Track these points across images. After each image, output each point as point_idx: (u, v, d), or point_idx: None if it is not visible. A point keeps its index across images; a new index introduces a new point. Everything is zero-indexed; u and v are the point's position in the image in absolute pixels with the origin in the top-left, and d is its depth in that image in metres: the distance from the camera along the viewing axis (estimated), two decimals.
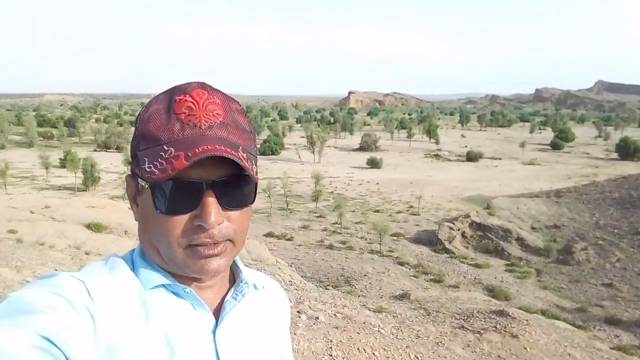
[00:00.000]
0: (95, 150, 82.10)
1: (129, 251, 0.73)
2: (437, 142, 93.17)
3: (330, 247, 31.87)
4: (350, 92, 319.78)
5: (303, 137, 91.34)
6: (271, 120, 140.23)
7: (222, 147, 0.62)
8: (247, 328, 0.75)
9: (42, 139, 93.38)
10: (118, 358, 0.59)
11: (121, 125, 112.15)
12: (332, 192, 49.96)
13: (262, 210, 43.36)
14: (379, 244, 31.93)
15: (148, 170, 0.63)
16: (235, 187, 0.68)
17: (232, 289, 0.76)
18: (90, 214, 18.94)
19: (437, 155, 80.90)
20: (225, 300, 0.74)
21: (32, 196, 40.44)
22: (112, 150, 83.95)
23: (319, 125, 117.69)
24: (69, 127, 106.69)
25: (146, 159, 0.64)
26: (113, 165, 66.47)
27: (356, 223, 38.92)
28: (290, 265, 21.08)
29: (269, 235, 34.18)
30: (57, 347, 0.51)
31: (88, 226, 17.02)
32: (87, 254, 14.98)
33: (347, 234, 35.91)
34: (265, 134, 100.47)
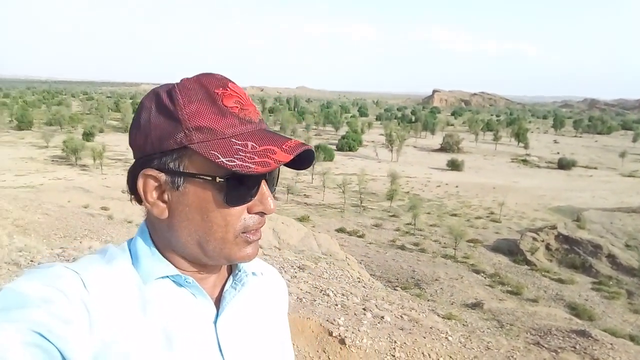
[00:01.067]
0: None
1: (126, 242, 0.71)
2: (526, 147, 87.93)
3: (402, 247, 31.29)
4: (434, 91, 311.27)
5: (382, 134, 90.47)
6: (351, 117, 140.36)
7: (301, 142, 0.66)
8: (247, 317, 0.75)
9: None
10: (115, 350, 0.59)
11: None
12: (407, 192, 49.01)
13: (335, 206, 43.59)
14: (454, 249, 30.83)
15: (231, 164, 0.60)
16: (275, 176, 0.72)
17: (231, 278, 0.76)
18: None
19: (525, 161, 76.33)
20: (225, 290, 0.74)
21: (124, 177, 43.57)
22: None
23: (399, 124, 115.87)
24: None
25: (217, 153, 0.61)
26: None
27: (431, 225, 37.88)
28: (360, 263, 20.97)
29: (341, 230, 34.30)
30: (50, 342, 0.51)
31: None
32: None
33: (421, 235, 35.06)
34: (344, 130, 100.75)
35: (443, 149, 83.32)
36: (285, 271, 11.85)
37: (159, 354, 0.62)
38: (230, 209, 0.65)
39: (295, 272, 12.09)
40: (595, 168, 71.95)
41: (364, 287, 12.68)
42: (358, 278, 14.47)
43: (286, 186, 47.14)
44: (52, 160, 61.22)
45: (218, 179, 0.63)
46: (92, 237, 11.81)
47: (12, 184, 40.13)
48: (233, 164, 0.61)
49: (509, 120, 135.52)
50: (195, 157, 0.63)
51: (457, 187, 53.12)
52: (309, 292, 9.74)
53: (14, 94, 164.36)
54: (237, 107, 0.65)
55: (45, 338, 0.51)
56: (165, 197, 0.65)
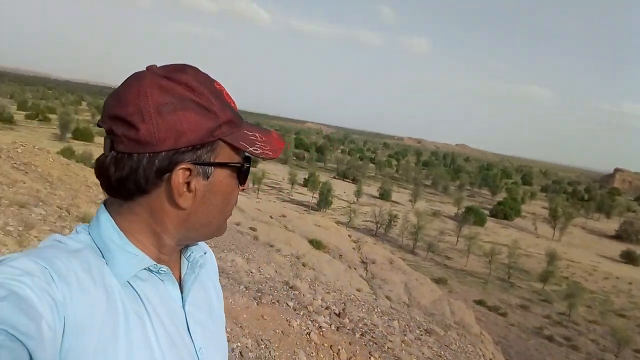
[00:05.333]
0: (334, 177, 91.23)
1: (85, 231, 0.69)
2: None
3: (550, 338, 27.51)
4: (616, 170, 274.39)
5: (545, 208, 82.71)
6: (512, 183, 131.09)
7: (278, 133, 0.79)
8: (203, 296, 0.80)
9: (295, 159, 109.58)
10: (89, 343, 0.58)
11: (361, 159, 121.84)
12: (567, 278, 43.41)
13: (478, 275, 40.56)
14: (616, 355, 26.13)
15: (257, 152, 0.70)
16: None
17: (185, 260, 0.78)
18: (316, 231, 20.75)
19: None
20: (185, 273, 0.77)
21: (274, 204, 47.16)
22: (348, 180, 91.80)
23: (568, 199, 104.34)
24: (319, 153, 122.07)
25: (244, 143, 0.70)
26: (345, 194, 72.41)
27: (590, 322, 32.75)
28: (496, 344, 18.85)
29: (480, 303, 31.69)
30: (17, 339, 0.49)
31: (311, 241, 18.76)
32: (304, 265, 16.41)
33: (575, 330, 30.47)
34: (501, 196, 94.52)
35: (619, 236, 72.43)
36: (410, 330, 11.17)
37: (137, 344, 0.63)
38: (238, 190, 0.74)
39: (421, 334, 11.32)
40: None
41: None
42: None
43: (427, 243, 45.46)
44: None
45: (245, 165, 0.73)
46: (236, 252, 12.67)
47: None
48: (258, 152, 0.70)
49: None
50: (222, 148, 0.69)
51: (630, 284, 45.54)
52: (431, 359, 8.96)
53: None
54: (232, 102, 0.72)
55: (12, 335, 0.49)
56: (192, 187, 0.67)
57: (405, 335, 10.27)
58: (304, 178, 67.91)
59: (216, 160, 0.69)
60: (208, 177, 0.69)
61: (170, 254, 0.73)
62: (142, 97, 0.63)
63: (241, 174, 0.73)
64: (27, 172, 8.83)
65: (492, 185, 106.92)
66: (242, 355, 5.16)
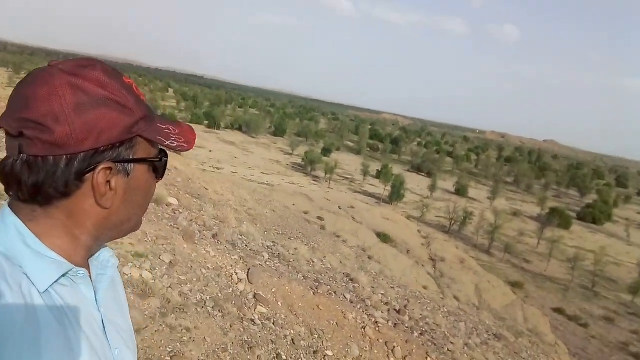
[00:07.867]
0: (408, 171, 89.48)
1: None
2: None
3: (636, 356, 25.34)
4: None
5: None
6: (604, 185, 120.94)
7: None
8: (114, 296, 0.79)
9: (369, 150, 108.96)
10: (4, 352, 0.55)
11: (438, 153, 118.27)
12: None
13: (559, 281, 38.07)
14: None
15: (173, 145, 0.70)
16: None
17: (96, 261, 0.75)
18: (383, 224, 20.52)
19: None
20: (97, 274, 0.74)
21: (344, 195, 47.25)
22: (422, 173, 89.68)
23: None
24: (393, 145, 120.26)
25: (161, 137, 0.69)
26: (419, 188, 70.87)
27: None
28: (573, 356, 17.64)
29: (558, 311, 29.78)
30: None
31: (378, 235, 18.63)
32: (369, 258, 16.33)
33: None
34: (591, 198, 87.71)
35: None
36: (477, 334, 10.78)
37: (59, 352, 0.60)
38: (155, 183, 0.75)
39: (488, 339, 10.88)
40: None
41: None
42: None
43: (505, 244, 43.33)
44: (292, 167, 70.71)
45: (163, 159, 0.73)
46: (302, 240, 12.86)
47: (257, 179, 47.95)
48: (174, 145, 0.70)
49: None
50: (140, 144, 0.68)
51: None
52: None
53: (278, 105, 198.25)
54: (142, 94, 0.71)
55: None
56: (113, 185, 0.66)
57: (469, 338, 9.90)
58: (377, 170, 67.33)
59: (135, 157, 0.68)
60: (128, 174, 0.68)
61: (86, 256, 0.71)
62: (55, 98, 0.60)
63: (158, 168, 0.73)
64: None
65: (582, 186, 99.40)
66: (294, 343, 5.21)
